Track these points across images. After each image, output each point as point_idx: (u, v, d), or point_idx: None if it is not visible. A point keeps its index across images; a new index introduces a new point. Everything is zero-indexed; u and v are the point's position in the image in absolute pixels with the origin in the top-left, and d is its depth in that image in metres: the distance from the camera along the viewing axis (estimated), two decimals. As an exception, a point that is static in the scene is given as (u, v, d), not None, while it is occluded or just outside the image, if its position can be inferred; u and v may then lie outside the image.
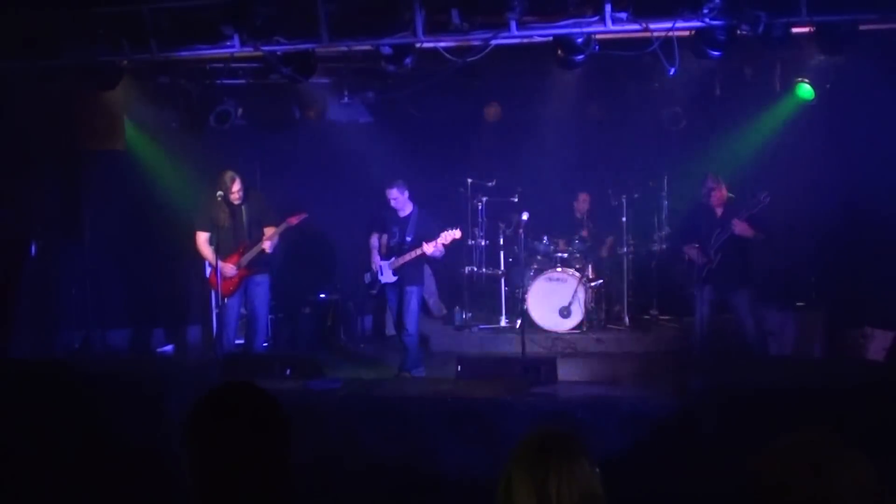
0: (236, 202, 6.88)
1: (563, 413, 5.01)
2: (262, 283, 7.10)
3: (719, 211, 6.72)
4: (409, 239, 6.93)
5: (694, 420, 4.86)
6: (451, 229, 6.79)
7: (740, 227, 6.42)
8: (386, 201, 7.02)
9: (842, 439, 1.77)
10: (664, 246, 8.62)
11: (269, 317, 8.44)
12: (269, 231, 6.97)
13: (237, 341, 7.37)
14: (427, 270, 7.87)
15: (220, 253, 6.70)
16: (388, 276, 7.03)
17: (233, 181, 6.79)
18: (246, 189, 6.94)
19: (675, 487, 4.54)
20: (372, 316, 9.25)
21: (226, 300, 6.84)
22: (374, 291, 7.26)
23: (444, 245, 6.77)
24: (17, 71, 6.37)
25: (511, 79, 7.95)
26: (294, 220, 7.01)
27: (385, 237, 7.12)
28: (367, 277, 7.25)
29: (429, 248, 6.74)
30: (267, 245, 6.90)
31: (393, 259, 6.99)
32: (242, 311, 7.33)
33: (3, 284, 7.34)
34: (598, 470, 1.91)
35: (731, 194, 6.77)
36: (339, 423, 5.15)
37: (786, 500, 1.68)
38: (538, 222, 8.27)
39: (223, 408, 1.73)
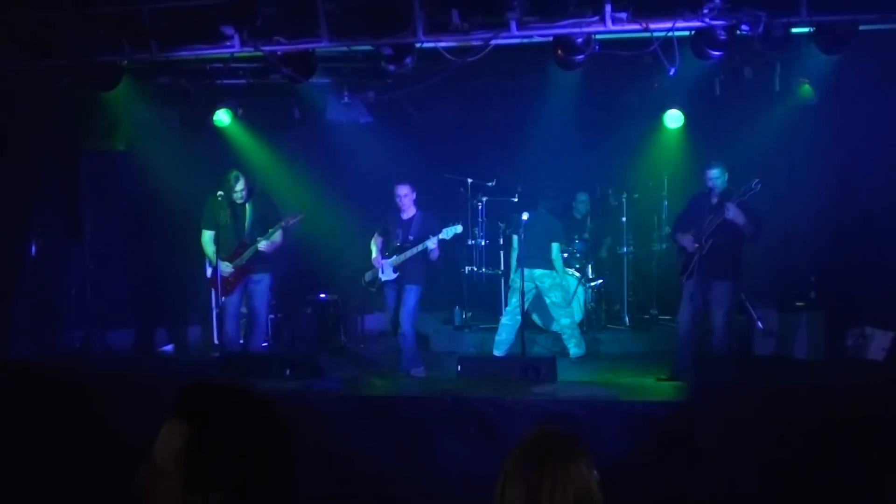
0: (240, 201, 6.92)
1: (563, 413, 5.01)
2: (261, 281, 7.12)
3: (715, 199, 6.67)
4: (411, 238, 6.96)
5: (693, 420, 4.86)
6: (453, 224, 6.84)
7: (733, 211, 6.36)
8: (391, 202, 7.04)
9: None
10: (664, 246, 8.61)
11: (270, 317, 8.45)
12: None
13: (239, 340, 7.37)
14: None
15: (221, 252, 6.87)
16: (388, 274, 7.05)
17: (237, 180, 6.84)
18: (250, 189, 6.97)
19: (674, 487, 4.54)
20: (372, 316, 9.24)
21: (224, 298, 6.88)
22: (374, 289, 7.28)
23: (443, 239, 6.82)
24: (17, 71, 6.37)
25: (511, 79, 7.94)
26: (291, 220, 7.04)
27: (388, 238, 7.16)
28: (368, 276, 7.27)
29: (432, 244, 6.76)
30: (263, 245, 6.92)
31: (395, 257, 7.01)
32: (243, 309, 7.34)
33: (3, 284, 7.34)
34: (596, 472, 1.89)
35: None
36: (339, 423, 5.15)
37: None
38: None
39: (205, 413, 1.53)
